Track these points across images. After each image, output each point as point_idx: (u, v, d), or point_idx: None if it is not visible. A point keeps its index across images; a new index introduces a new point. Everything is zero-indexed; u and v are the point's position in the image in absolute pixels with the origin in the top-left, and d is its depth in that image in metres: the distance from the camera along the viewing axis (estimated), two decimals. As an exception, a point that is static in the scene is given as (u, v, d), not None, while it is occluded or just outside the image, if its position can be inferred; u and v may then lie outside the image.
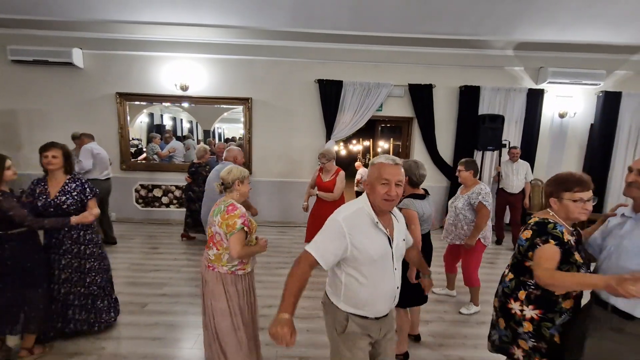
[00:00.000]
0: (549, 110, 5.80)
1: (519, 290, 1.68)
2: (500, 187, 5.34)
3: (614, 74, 5.70)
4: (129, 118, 5.77)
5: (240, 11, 4.97)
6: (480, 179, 5.77)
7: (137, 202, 5.93)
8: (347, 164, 10.69)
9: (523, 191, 5.23)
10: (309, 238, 3.99)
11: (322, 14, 5.03)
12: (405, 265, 2.29)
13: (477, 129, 5.50)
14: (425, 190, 2.51)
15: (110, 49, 5.42)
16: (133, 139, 6.22)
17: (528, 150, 5.74)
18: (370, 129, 8.38)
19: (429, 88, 5.57)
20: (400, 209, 2.30)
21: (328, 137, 5.66)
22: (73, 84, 5.48)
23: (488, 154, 5.75)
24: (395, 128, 9.74)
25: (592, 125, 5.85)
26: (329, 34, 5.32)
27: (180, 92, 5.55)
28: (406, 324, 2.51)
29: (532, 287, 1.64)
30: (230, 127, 7.43)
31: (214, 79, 5.61)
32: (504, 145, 5.61)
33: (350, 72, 5.56)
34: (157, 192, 5.93)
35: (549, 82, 5.55)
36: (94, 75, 5.50)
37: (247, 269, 2.05)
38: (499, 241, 5.44)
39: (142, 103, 5.98)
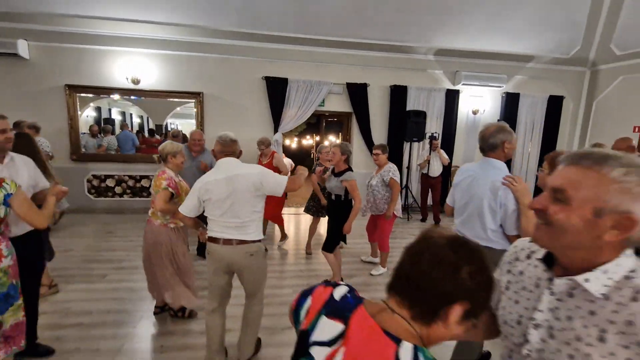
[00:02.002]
0: (464, 108, 6.85)
1: None
2: (423, 172, 6.27)
3: (513, 78, 6.88)
4: (79, 110, 5.89)
5: (190, 10, 5.35)
6: (408, 166, 6.69)
7: (89, 192, 6.07)
8: (301, 158, 11.33)
9: (441, 175, 6.19)
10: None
11: (267, 17, 5.57)
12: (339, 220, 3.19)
13: (405, 123, 6.37)
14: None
15: (58, 41, 5.52)
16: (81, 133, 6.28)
17: (448, 141, 6.75)
18: (320, 125, 9.07)
19: (364, 87, 6.34)
20: (341, 181, 3.22)
21: (276, 130, 6.22)
22: (18, 75, 5.50)
23: (415, 144, 6.67)
24: (338, 123, 10.52)
25: (498, 120, 7.00)
26: (275, 35, 5.88)
27: (131, 86, 5.79)
28: (335, 266, 3.40)
29: None
30: (184, 122, 7.56)
31: (166, 73, 5.92)
32: (435, 137, 6.52)
33: (295, 70, 6.16)
34: (110, 182, 6.12)
35: (463, 84, 6.58)
36: (41, 66, 5.56)
37: (179, 223, 2.62)
38: (423, 219, 6.38)
39: (89, 95, 6.10)
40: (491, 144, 1.97)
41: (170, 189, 2.46)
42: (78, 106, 5.86)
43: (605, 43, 6.26)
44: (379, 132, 6.62)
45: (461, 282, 0.66)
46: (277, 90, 6.07)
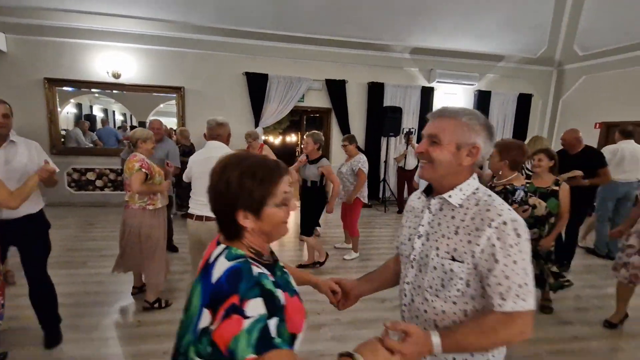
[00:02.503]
0: (439, 104, 7.13)
1: None
2: (399, 166, 6.53)
3: (485, 76, 7.21)
4: (58, 104, 5.91)
5: (170, 6, 5.46)
6: (386, 160, 6.94)
7: (69, 185, 6.10)
8: (287, 157, 11.47)
9: (416, 168, 6.46)
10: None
11: (247, 14, 5.72)
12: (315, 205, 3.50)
13: (383, 119, 6.61)
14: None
15: (37, 34, 5.53)
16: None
17: (424, 137, 7.02)
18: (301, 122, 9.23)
19: (342, 83, 6.56)
20: (318, 167, 3.51)
21: (256, 124, 6.37)
22: (-4, 68, 5.50)
23: (392, 139, 6.92)
24: (318, 119, 10.72)
25: (471, 117, 7.32)
26: (255, 32, 6.03)
27: (112, 80, 5.85)
28: (312, 250, 3.72)
29: None
30: (168, 120, 7.59)
31: (147, 68, 5.99)
32: (411, 133, 6.76)
33: (275, 66, 6.32)
34: (91, 176, 6.15)
35: (437, 82, 6.87)
36: (19, 60, 5.56)
37: (157, 204, 2.75)
38: (399, 211, 6.64)
39: (69, 90, 6.12)
40: None
41: (143, 170, 2.59)
42: (58, 101, 5.88)
43: (568, 44, 6.64)
44: (357, 128, 6.84)
45: (234, 188, 0.82)
46: (257, 86, 6.22)
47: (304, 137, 3.69)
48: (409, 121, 6.98)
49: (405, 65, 6.86)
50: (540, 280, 3.02)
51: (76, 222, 5.17)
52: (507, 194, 2.25)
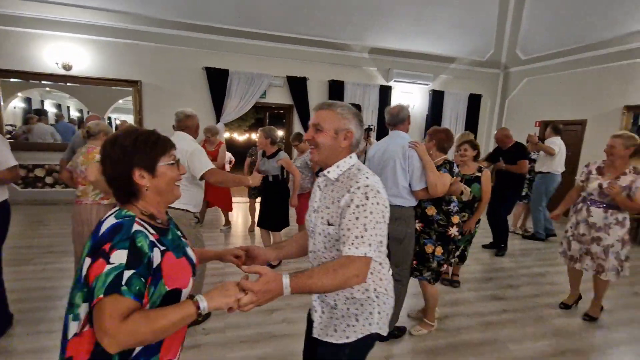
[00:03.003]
0: (397, 102, 7.45)
1: None
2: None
3: (439, 77, 7.63)
4: (2, 97, 5.58)
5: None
6: (347, 156, 7.15)
7: (15, 182, 5.76)
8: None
9: (375, 164, 6.74)
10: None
11: (207, 8, 5.69)
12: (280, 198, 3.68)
13: (343, 116, 6.82)
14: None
15: (-24, 22, 5.19)
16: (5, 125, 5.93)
17: (384, 134, 7.31)
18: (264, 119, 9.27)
19: (303, 80, 6.69)
20: (277, 161, 3.63)
21: (217, 120, 6.35)
22: None
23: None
24: (282, 115, 10.82)
25: (427, 115, 7.73)
26: (216, 27, 6.02)
27: (62, 72, 5.60)
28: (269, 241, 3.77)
29: None
30: (127, 117, 7.37)
31: (101, 60, 5.79)
32: (370, 129, 7.00)
33: (236, 62, 6.33)
34: (40, 172, 5.86)
35: (395, 81, 7.19)
36: (-44, 48, 5.20)
37: (113, 199, 2.71)
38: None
39: (17, 81, 5.80)
40: (401, 118, 2.43)
41: None
42: (1, 94, 5.55)
43: (512, 48, 7.20)
44: (319, 124, 7.00)
45: (130, 150, 0.95)
46: (218, 81, 6.21)
47: (258, 133, 3.78)
48: (369, 118, 7.24)
49: (364, 64, 7.12)
50: (462, 258, 3.44)
51: (23, 221, 4.93)
52: (451, 167, 2.51)
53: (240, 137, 12.41)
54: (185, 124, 2.56)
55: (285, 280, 1.00)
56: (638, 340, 2.71)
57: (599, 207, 2.68)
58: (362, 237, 1.09)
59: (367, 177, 1.17)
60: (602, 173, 2.70)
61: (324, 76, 6.88)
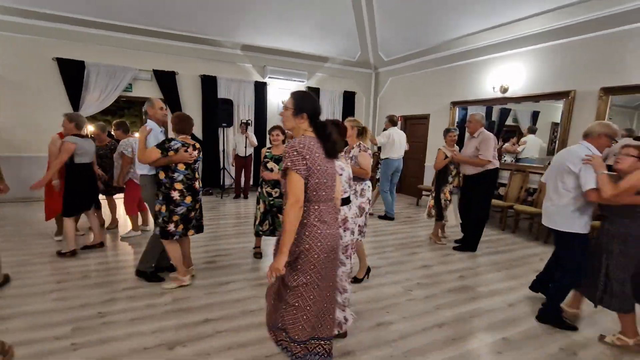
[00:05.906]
0: (274, 98, 7.84)
1: None
2: (236, 153, 6.96)
3: (315, 75, 8.18)
4: None
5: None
6: (224, 149, 7.32)
7: None
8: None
9: (250, 156, 6.99)
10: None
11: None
12: None
13: (217, 110, 6.98)
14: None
15: None
16: None
17: (262, 127, 7.62)
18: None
19: (172, 74, 6.71)
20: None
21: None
22: None
23: (230, 129, 7.34)
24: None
25: (306, 110, 8.21)
26: (67, 17, 5.75)
27: None
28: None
29: None
30: None
31: None
32: (249, 124, 7.23)
33: (94, 54, 6.12)
34: None
35: (270, 77, 7.54)
36: None
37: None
38: (236, 196, 7.10)
39: None
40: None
41: None
42: None
43: (375, 51, 8.00)
44: (194, 118, 7.03)
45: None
46: (72, 73, 5.95)
47: None
48: (245, 113, 7.49)
49: (238, 60, 7.35)
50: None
51: None
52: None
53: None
54: None
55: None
56: None
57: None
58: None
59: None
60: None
61: (196, 71, 6.97)
